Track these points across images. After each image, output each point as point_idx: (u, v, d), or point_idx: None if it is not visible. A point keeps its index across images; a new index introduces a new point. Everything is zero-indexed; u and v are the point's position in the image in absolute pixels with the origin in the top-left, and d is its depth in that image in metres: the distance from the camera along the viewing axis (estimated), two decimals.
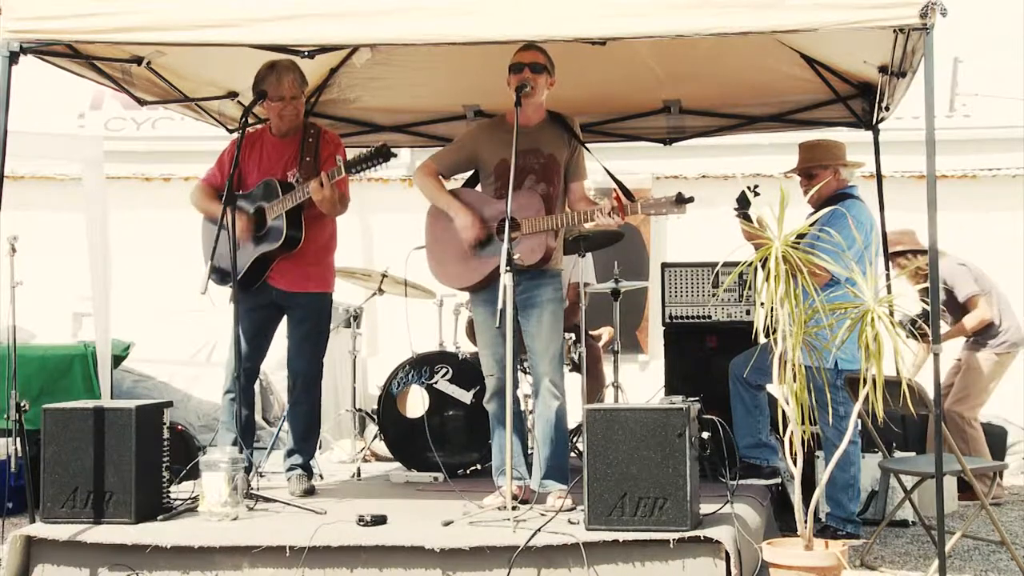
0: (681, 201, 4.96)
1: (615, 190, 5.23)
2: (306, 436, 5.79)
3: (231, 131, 6.80)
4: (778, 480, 5.99)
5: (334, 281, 5.89)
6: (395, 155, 5.36)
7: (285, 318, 5.75)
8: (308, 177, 5.50)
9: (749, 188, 5.08)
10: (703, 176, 9.43)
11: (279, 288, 5.64)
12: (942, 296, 6.92)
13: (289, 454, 5.78)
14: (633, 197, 5.15)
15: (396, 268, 7.04)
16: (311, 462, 5.85)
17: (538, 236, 5.20)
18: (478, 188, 5.54)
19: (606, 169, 5.49)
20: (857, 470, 5.85)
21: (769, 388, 5.96)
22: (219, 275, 5.54)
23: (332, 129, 6.91)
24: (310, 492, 5.61)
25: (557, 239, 5.34)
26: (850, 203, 5.84)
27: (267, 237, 5.58)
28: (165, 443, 5.07)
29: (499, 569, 4.43)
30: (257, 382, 6.11)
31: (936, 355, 4.41)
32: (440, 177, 5.53)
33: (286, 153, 5.68)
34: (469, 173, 5.64)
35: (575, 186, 5.43)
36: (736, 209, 5.91)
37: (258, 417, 8.30)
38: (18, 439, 5.43)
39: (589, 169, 5.54)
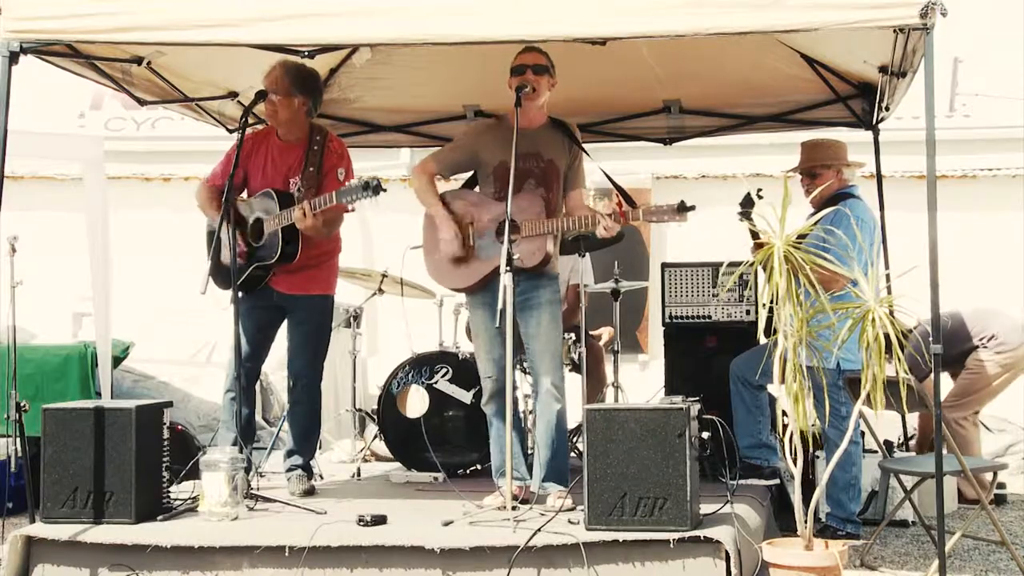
0: (683, 209, 4.96)
1: (617, 197, 5.24)
2: (306, 436, 5.79)
3: (231, 131, 6.80)
4: (778, 480, 5.99)
5: (336, 283, 5.88)
6: (384, 190, 5.33)
7: (286, 319, 5.75)
8: (310, 187, 5.49)
9: (753, 191, 5.09)
10: (703, 176, 9.43)
11: (280, 291, 5.64)
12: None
13: (289, 454, 5.77)
14: (635, 203, 5.15)
15: (396, 268, 7.04)
16: (311, 462, 5.85)
17: (537, 239, 5.19)
18: (477, 189, 5.54)
19: (608, 176, 5.50)
20: (858, 470, 5.84)
21: (770, 388, 5.96)
22: (220, 277, 5.53)
23: (332, 129, 6.91)
24: (310, 492, 5.61)
25: (555, 244, 5.34)
26: (852, 203, 5.84)
27: (264, 249, 5.57)
28: (165, 443, 5.07)
29: (499, 569, 4.43)
30: (257, 382, 6.11)
31: (936, 355, 4.41)
32: (436, 179, 5.52)
33: (290, 159, 5.66)
34: (469, 174, 5.64)
35: (574, 193, 5.42)
36: (740, 212, 5.91)
37: (258, 417, 8.30)
38: (18, 439, 5.43)
39: (589, 170, 5.54)
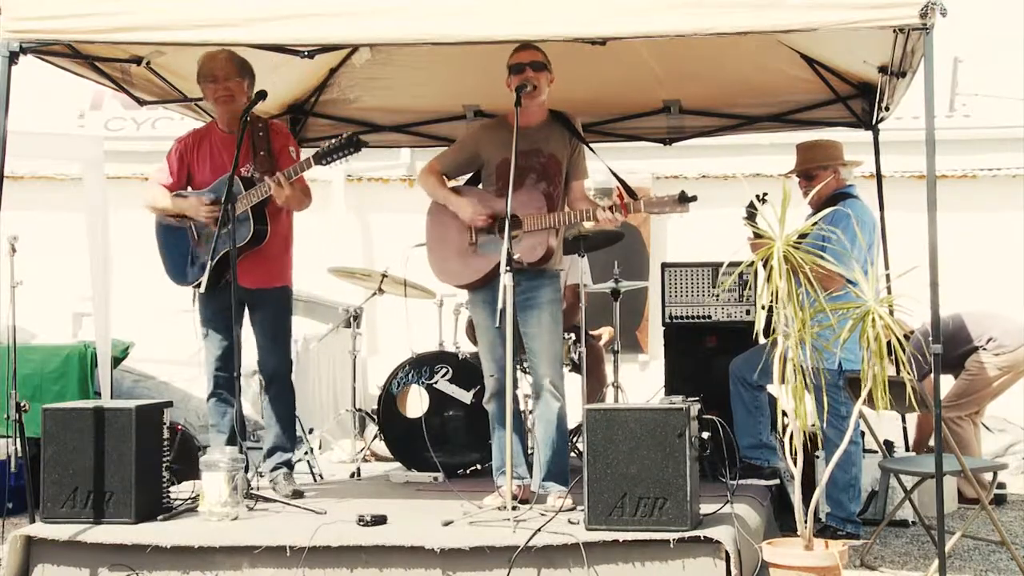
0: (684, 200, 4.96)
1: (618, 188, 5.24)
2: (286, 430, 5.75)
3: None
4: (778, 480, 5.99)
5: (291, 275, 5.85)
6: (366, 144, 5.34)
7: (247, 315, 5.74)
8: (265, 171, 5.47)
9: (758, 196, 5.09)
10: (703, 176, 9.43)
11: (242, 286, 5.60)
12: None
13: (271, 452, 5.70)
14: (636, 195, 5.16)
15: (396, 268, 7.04)
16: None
17: (539, 234, 5.19)
18: (480, 187, 5.54)
19: (609, 168, 5.50)
20: (858, 470, 5.84)
21: (770, 388, 5.95)
22: (198, 271, 5.52)
23: (332, 129, 6.90)
24: (299, 494, 5.52)
25: (558, 239, 5.34)
26: (851, 203, 5.84)
27: (235, 231, 5.53)
28: (165, 443, 5.07)
29: (499, 569, 4.43)
30: (257, 381, 6.10)
31: (936, 355, 4.41)
32: (444, 177, 5.53)
33: (235, 150, 5.59)
34: (470, 175, 5.64)
35: (575, 185, 5.43)
36: (745, 218, 5.91)
37: (258, 417, 8.29)
38: (18, 439, 5.43)
39: (591, 168, 5.55)
